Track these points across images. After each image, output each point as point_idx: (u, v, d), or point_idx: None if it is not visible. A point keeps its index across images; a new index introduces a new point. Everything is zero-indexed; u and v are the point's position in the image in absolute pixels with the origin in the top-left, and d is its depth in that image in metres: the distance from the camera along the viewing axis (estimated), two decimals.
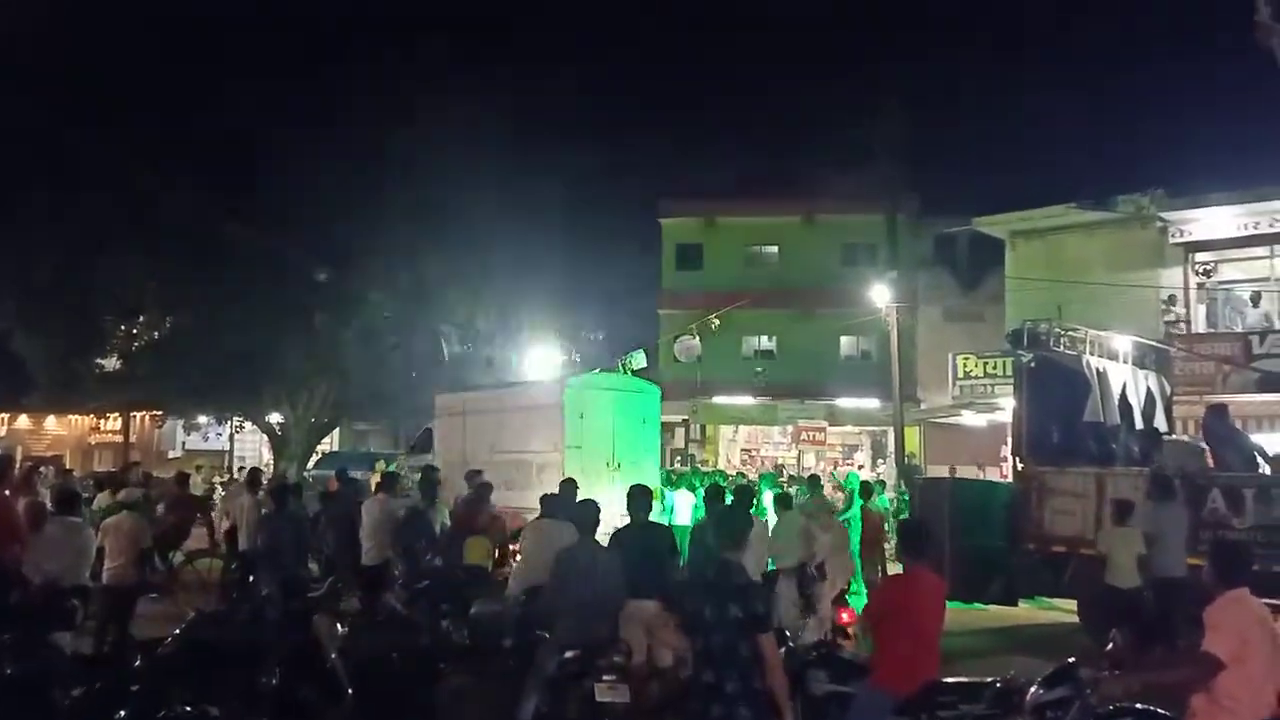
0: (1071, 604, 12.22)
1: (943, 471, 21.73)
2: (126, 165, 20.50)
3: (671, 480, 17.92)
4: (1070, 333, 13.84)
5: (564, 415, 14.31)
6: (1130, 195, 20.36)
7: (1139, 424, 13.86)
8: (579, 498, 8.46)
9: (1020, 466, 13.21)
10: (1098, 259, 20.76)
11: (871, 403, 28.76)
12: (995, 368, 22.37)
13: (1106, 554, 10.11)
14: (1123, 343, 14.65)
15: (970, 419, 23.72)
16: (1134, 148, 39.64)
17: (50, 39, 21.79)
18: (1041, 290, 19.76)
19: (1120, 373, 14.12)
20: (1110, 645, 5.69)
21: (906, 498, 17.07)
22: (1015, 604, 13.13)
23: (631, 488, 7.66)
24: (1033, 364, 13.17)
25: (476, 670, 7.79)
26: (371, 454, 27.99)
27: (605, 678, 6.22)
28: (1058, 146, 45.31)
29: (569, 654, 6.42)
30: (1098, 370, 13.64)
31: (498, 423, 15.88)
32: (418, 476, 13.29)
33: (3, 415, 44.37)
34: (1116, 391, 13.84)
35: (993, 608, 12.91)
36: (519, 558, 9.57)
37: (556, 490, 9.80)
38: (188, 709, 5.65)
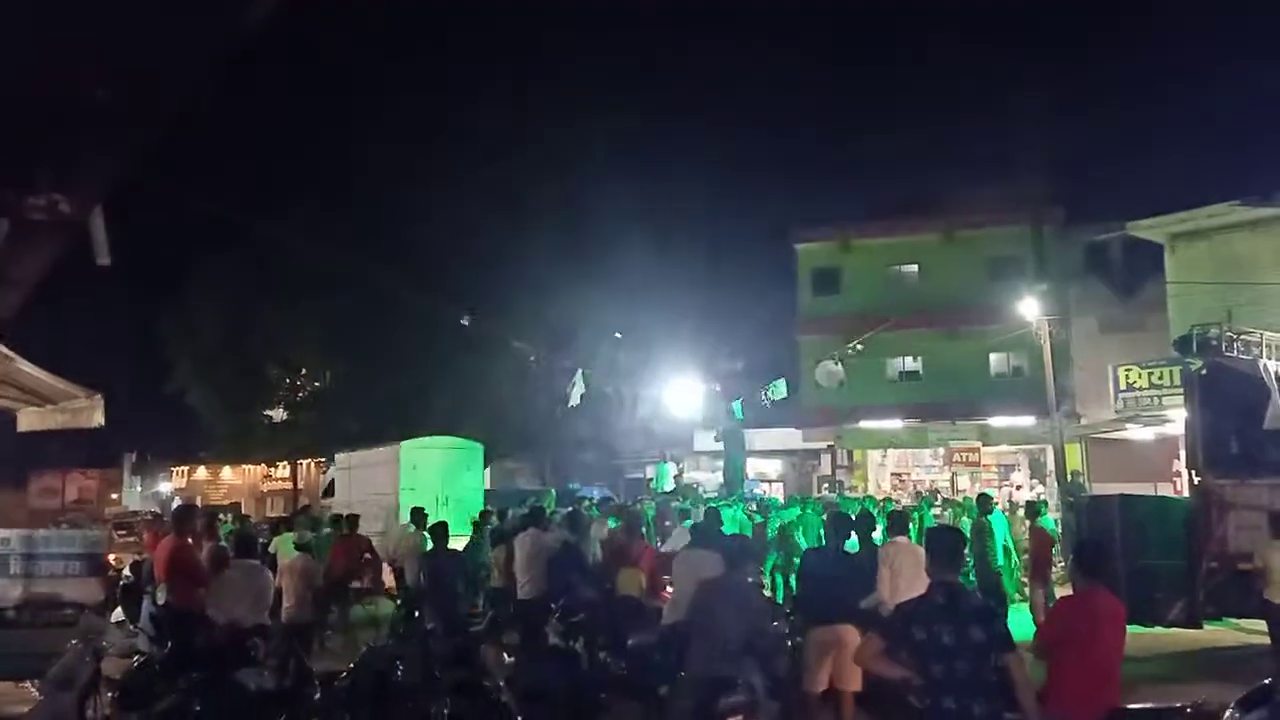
0: (1262, 625, 11.40)
1: (1109, 489, 20.65)
2: (285, 229, 21.78)
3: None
4: (1244, 337, 13.00)
5: (400, 467, 19.29)
6: None
7: None
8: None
9: (1197, 481, 12.45)
10: (1268, 257, 19.47)
11: (1027, 420, 27.62)
12: (1161, 378, 21.11)
13: (1264, 568, 9.62)
14: None
15: (1136, 433, 22.47)
16: None
17: (206, 116, 23.44)
18: (1207, 294, 18.66)
19: None
20: None
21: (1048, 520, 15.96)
22: (1199, 626, 12.32)
23: (832, 515, 7.60)
24: (1205, 372, 12.45)
25: (637, 702, 7.82)
26: (522, 490, 28.63)
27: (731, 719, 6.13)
28: (1214, 141, 42.92)
29: (700, 693, 6.37)
30: (1277, 375, 12.76)
31: (365, 474, 21.03)
32: (328, 516, 16.30)
33: (183, 467, 47.51)
34: None
35: (1174, 631, 12.15)
36: (670, 589, 9.58)
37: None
38: None
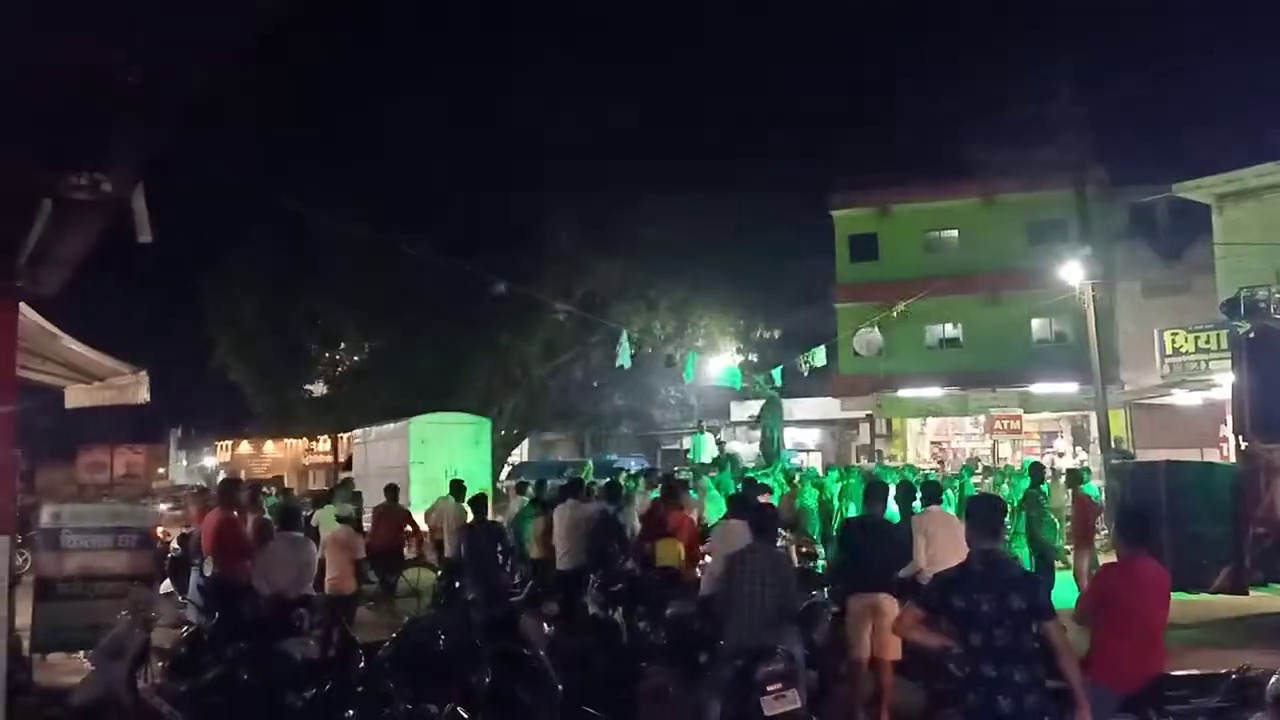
0: None
1: (1154, 455, 20.34)
2: (316, 207, 21.89)
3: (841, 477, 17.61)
4: None
5: (409, 441, 19.86)
6: None
7: None
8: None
9: (1244, 446, 12.23)
10: None
11: (1069, 387, 27.25)
12: (1208, 342, 20.69)
13: None
14: None
15: (1182, 398, 22.10)
16: None
17: (242, 91, 23.59)
18: (1255, 255, 18.27)
19: None
20: None
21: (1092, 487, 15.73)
22: (1245, 592, 12.16)
23: (870, 483, 7.57)
24: (1252, 335, 12.20)
25: (677, 669, 7.86)
26: (560, 463, 28.82)
27: (770, 688, 6.13)
28: (1261, 100, 41.77)
29: (739, 663, 6.38)
30: None
31: (378, 448, 22.16)
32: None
33: (226, 442, 48.27)
34: None
35: (1221, 597, 11.99)
36: (708, 558, 9.61)
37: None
38: (409, 707, 5.96)
